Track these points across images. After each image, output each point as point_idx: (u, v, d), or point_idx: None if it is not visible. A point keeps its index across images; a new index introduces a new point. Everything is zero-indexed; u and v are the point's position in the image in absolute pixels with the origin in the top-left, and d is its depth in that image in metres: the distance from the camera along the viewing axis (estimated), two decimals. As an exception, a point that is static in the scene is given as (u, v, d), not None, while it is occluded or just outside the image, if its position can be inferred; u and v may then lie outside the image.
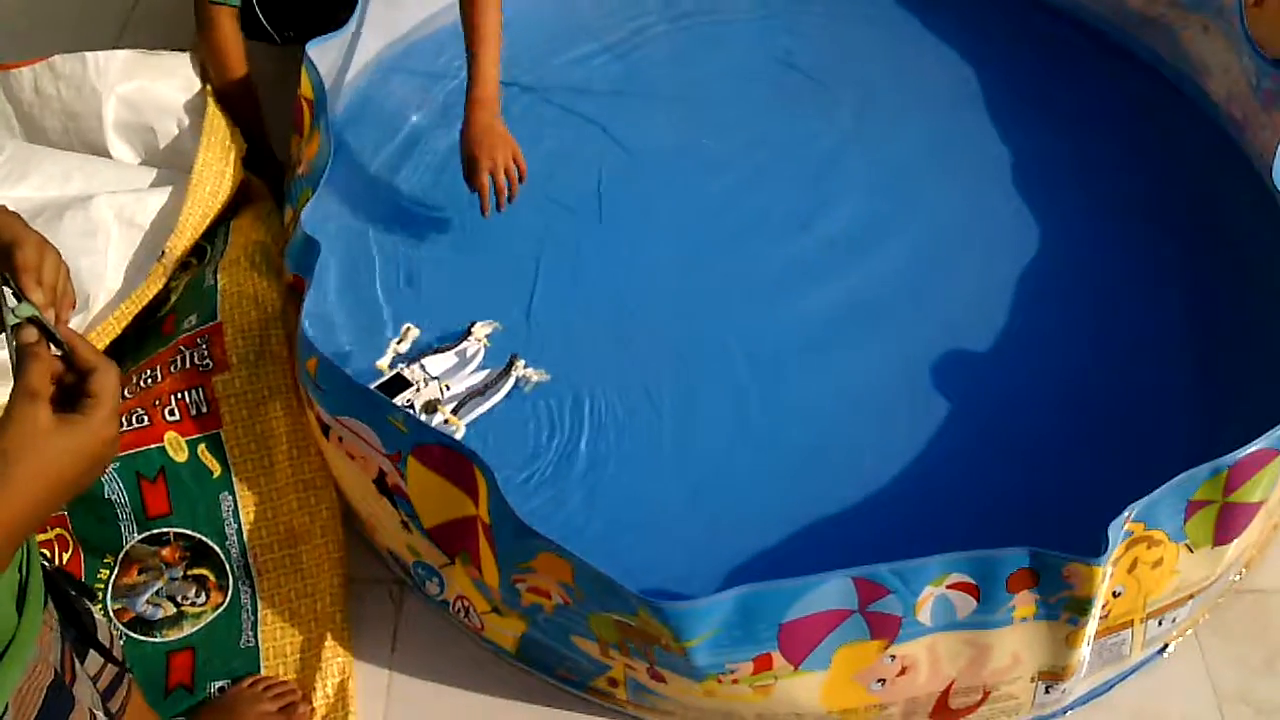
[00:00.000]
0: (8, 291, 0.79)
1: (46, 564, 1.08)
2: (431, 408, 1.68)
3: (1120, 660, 1.59)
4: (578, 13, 2.47)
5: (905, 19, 2.50)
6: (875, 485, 1.73)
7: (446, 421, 1.68)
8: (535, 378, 1.76)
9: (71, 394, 0.77)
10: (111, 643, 1.20)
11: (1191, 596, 1.58)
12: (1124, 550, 1.45)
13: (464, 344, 1.78)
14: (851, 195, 2.10)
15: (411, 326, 1.80)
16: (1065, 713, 1.59)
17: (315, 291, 1.72)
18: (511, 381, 1.76)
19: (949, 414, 1.81)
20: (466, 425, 1.71)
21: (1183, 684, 1.61)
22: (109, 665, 1.19)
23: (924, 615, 1.39)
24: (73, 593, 1.13)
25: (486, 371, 1.76)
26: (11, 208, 1.72)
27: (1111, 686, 1.61)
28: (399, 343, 1.77)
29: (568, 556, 1.35)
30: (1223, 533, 1.51)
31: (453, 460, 1.45)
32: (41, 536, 1.58)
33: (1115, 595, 1.50)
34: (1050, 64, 2.38)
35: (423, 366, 1.72)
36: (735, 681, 1.39)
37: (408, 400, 1.67)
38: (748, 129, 2.22)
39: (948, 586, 1.38)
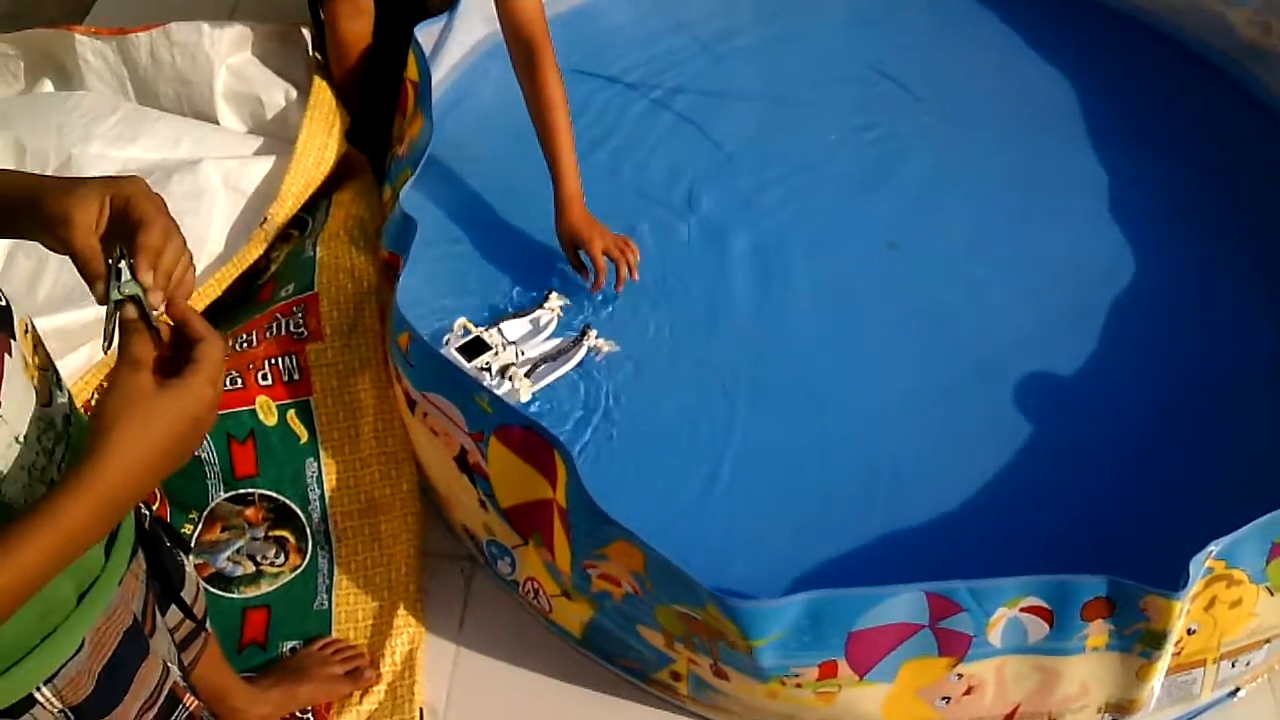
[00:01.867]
0: (123, 266, 0.81)
1: (147, 512, 1.12)
2: (506, 371, 1.70)
3: (1189, 699, 1.57)
4: (676, 11, 2.48)
5: (1008, 36, 2.48)
6: (951, 504, 1.71)
7: (518, 386, 1.70)
8: (606, 348, 1.80)
9: (176, 367, 0.80)
10: (195, 598, 1.24)
11: (1268, 641, 1.55)
12: (1203, 587, 1.43)
13: (538, 312, 1.81)
14: (935, 208, 2.09)
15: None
16: (1129, 747, 1.57)
17: (410, 269, 1.76)
18: (583, 351, 1.78)
19: (1030, 437, 1.79)
20: (534, 391, 1.73)
21: (1252, 729, 1.59)
22: (187, 621, 1.23)
23: (995, 636, 1.38)
24: (168, 544, 1.17)
25: (559, 340, 1.79)
26: (120, 168, 1.80)
27: (1178, 724, 1.59)
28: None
29: (642, 547, 1.36)
30: (1305, 577, 1.48)
31: (534, 443, 1.47)
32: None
33: (1190, 632, 1.48)
34: (1154, 91, 2.34)
35: (500, 331, 1.75)
36: (799, 686, 1.40)
37: (485, 363, 1.70)
38: (836, 134, 2.22)
39: (1021, 609, 1.37)
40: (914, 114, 2.29)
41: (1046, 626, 1.39)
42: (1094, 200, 2.13)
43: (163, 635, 1.09)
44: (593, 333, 1.80)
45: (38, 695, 0.89)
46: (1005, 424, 1.80)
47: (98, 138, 1.88)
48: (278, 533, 1.67)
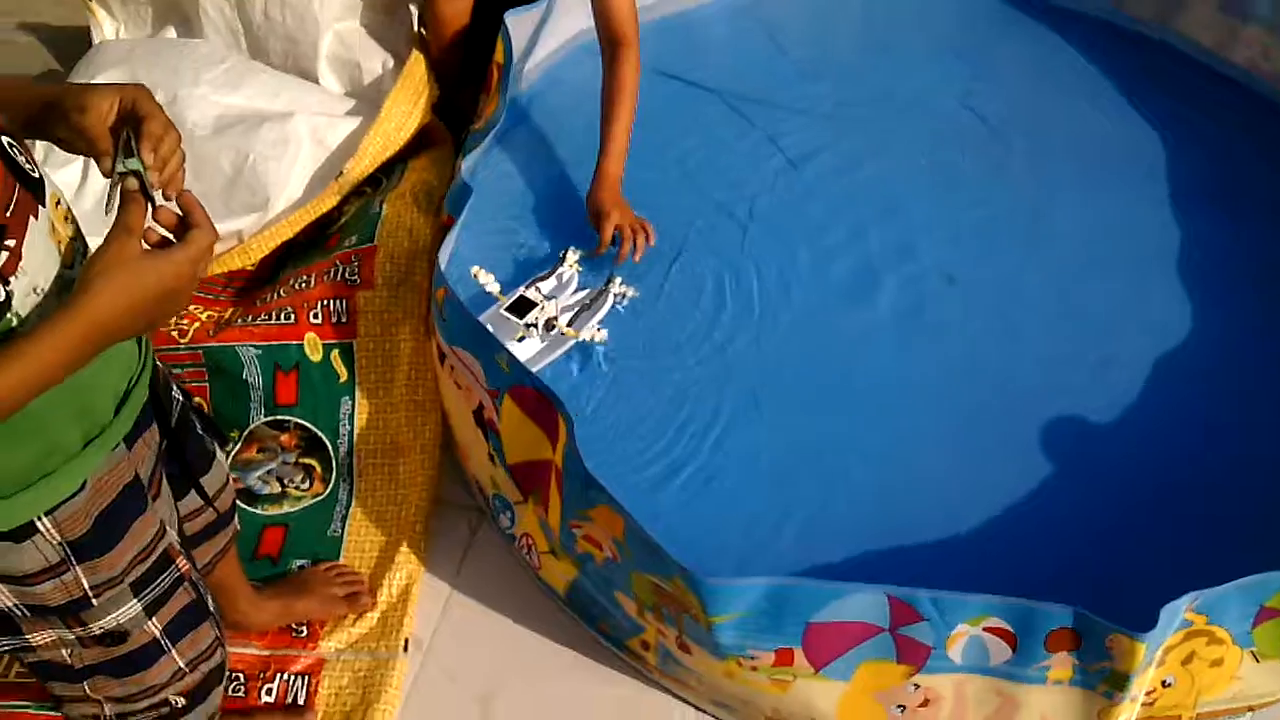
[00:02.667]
0: (130, 149, 0.94)
1: (180, 397, 1.24)
2: (551, 324, 1.79)
3: (1160, 754, 1.55)
4: (774, 30, 2.54)
5: (1102, 85, 2.47)
6: (960, 525, 1.71)
7: (563, 334, 1.80)
8: (630, 293, 1.90)
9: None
10: (221, 491, 1.36)
11: (1250, 709, 1.52)
12: (1181, 639, 1.42)
13: (560, 269, 1.90)
14: (995, 244, 2.09)
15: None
16: (1092, 794, 1.55)
17: (463, 234, 1.86)
18: (611, 298, 1.88)
19: (1049, 472, 1.78)
20: (580, 338, 1.82)
21: (1225, 797, 1.55)
22: (208, 510, 1.34)
23: (955, 652, 1.40)
24: (200, 430, 1.29)
25: (586, 290, 1.89)
26: (221, 111, 1.95)
27: (1147, 780, 1.57)
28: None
29: (622, 513, 1.42)
30: (1296, 648, 1.45)
31: (542, 405, 1.54)
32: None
33: (1165, 685, 1.47)
34: (1244, 154, 2.30)
35: (538, 288, 1.84)
36: (755, 669, 1.43)
37: (535, 318, 1.79)
38: (909, 161, 2.24)
39: (984, 629, 1.39)
40: (990, 149, 2.30)
41: (1009, 650, 1.39)
42: (1155, 256, 2.10)
43: (165, 502, 1.21)
44: (617, 279, 1.90)
45: (39, 524, 1.01)
46: (1026, 455, 1.79)
47: (205, 82, 2.03)
48: (307, 460, 1.78)
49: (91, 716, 1.25)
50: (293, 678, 1.60)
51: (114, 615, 1.13)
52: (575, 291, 1.89)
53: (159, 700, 1.24)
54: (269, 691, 1.58)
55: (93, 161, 0.98)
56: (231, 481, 1.41)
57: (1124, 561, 1.69)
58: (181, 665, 1.23)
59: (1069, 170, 2.26)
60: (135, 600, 1.14)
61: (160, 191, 0.94)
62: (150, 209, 0.93)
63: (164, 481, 1.20)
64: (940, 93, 2.40)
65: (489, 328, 1.77)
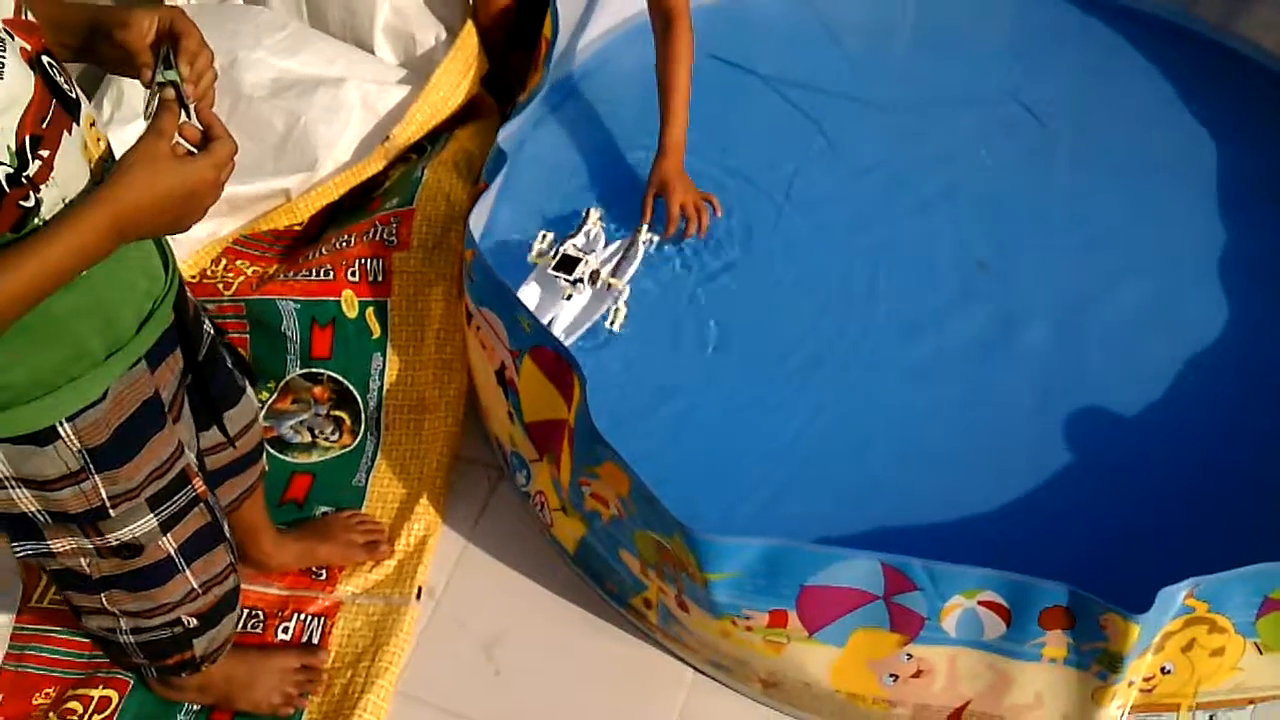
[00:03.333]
0: (168, 61, 1.01)
1: (212, 330, 1.30)
2: (595, 277, 1.86)
3: (1160, 743, 1.54)
4: (829, 19, 2.55)
5: (1158, 86, 2.43)
6: (978, 507, 1.72)
7: (610, 285, 1.87)
8: (656, 239, 1.97)
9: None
10: (246, 430, 1.42)
11: (1252, 702, 1.51)
12: (1181, 625, 1.42)
13: (586, 226, 1.95)
14: (1035, 236, 2.09)
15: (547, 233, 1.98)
16: (1088, 778, 1.55)
17: (499, 200, 1.92)
18: (642, 246, 1.93)
19: (1071, 461, 1.78)
20: (626, 282, 1.90)
21: (1226, 792, 1.54)
22: (230, 447, 1.40)
23: (949, 623, 1.41)
24: (230, 365, 1.36)
25: (617, 242, 1.95)
26: (278, 75, 2.02)
27: (1146, 769, 1.56)
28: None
29: (627, 470, 1.46)
30: (1301, 643, 1.44)
31: (560, 365, 1.59)
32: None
33: (1165, 671, 1.47)
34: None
35: (574, 246, 1.89)
36: (749, 629, 1.46)
37: (581, 273, 1.85)
38: (953, 151, 2.24)
39: (979, 602, 1.40)
40: (1039, 144, 2.29)
41: (1003, 625, 1.40)
42: (1198, 256, 2.08)
43: (185, 425, 1.28)
44: (643, 227, 1.95)
45: (60, 430, 1.08)
46: (1050, 443, 1.80)
47: (263, 47, 2.11)
48: (337, 413, 1.84)
49: (108, 629, 1.32)
50: (309, 618, 1.66)
51: (130, 528, 1.19)
52: (606, 245, 1.95)
53: (172, 618, 1.31)
54: (285, 630, 1.65)
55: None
56: (260, 420, 1.48)
57: (1143, 555, 1.68)
58: (195, 585, 1.29)
59: (1119, 168, 2.23)
60: (151, 515, 1.20)
61: (194, 103, 1.01)
62: (184, 117, 1.00)
63: (185, 406, 1.27)
64: (993, 89, 2.39)
65: (537, 289, 1.83)
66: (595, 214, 1.97)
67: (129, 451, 1.15)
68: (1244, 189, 2.20)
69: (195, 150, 1.01)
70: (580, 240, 1.92)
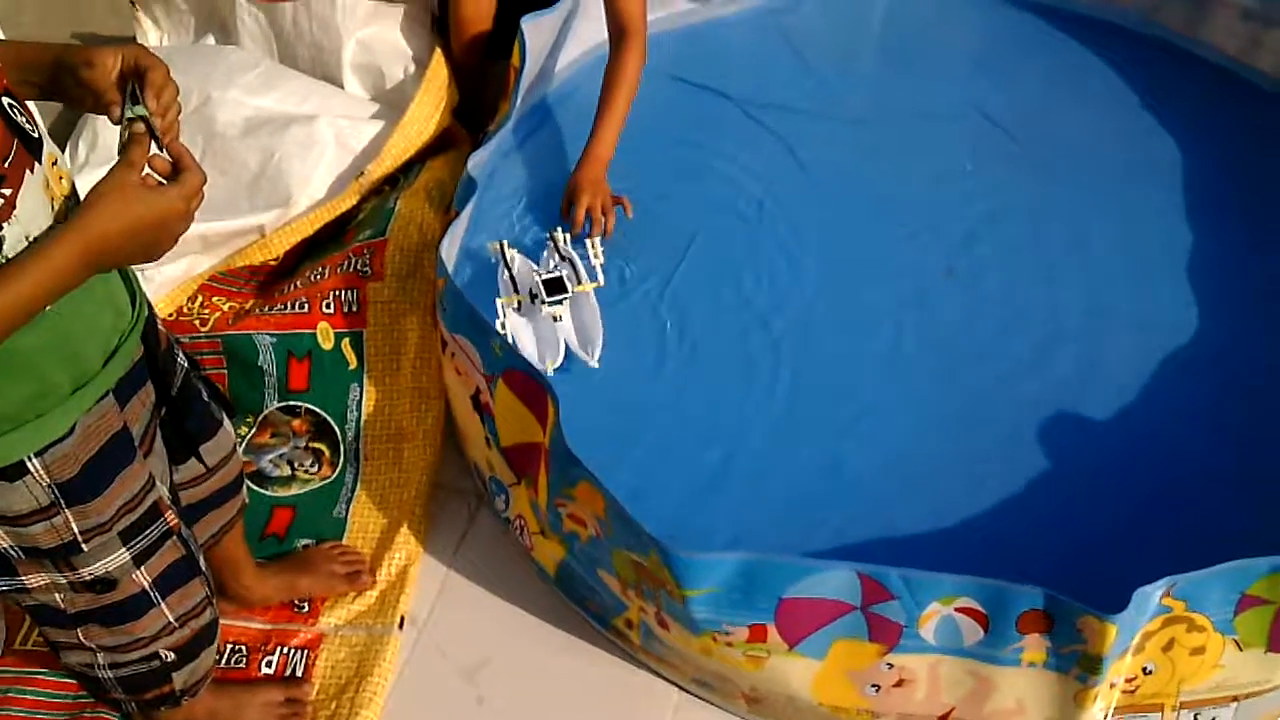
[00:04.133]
0: (136, 100, 1.03)
1: (186, 364, 1.31)
2: (567, 285, 1.89)
3: (1145, 744, 1.54)
4: (798, 41, 2.58)
5: (1125, 97, 2.46)
6: (957, 513, 1.73)
7: (582, 287, 1.90)
8: (568, 237, 1.99)
9: None
10: (224, 462, 1.43)
11: (1235, 699, 1.51)
12: (1159, 625, 1.42)
13: (552, 247, 1.98)
14: (1001, 245, 2.11)
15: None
16: (1075, 782, 1.55)
17: (471, 228, 1.93)
18: (592, 251, 1.98)
19: (1046, 465, 1.79)
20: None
21: (1213, 791, 1.54)
22: (210, 478, 1.41)
23: (927, 631, 1.41)
24: (206, 398, 1.37)
25: (576, 249, 1.99)
26: (251, 113, 2.04)
27: (1132, 770, 1.56)
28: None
29: (601, 489, 1.47)
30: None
31: (532, 387, 1.59)
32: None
33: (1146, 672, 1.47)
34: (1269, 159, 2.29)
35: (557, 265, 1.93)
36: (730, 644, 1.46)
37: (569, 291, 1.88)
38: (923, 168, 2.26)
39: (956, 609, 1.40)
40: (1006, 157, 2.32)
41: (981, 631, 1.41)
42: (1167, 258, 2.10)
43: (158, 458, 1.28)
44: (557, 230, 1.99)
45: (29, 465, 1.08)
46: (1025, 448, 1.81)
47: (236, 86, 2.13)
48: (316, 445, 1.85)
49: (86, 664, 1.32)
50: (293, 651, 1.65)
51: (103, 562, 1.19)
52: (572, 247, 1.99)
53: (149, 653, 1.31)
54: (269, 663, 1.64)
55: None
56: (239, 452, 1.48)
57: (1122, 556, 1.68)
58: (171, 619, 1.29)
59: (1085, 175, 2.26)
60: (124, 549, 1.20)
61: (163, 136, 1.03)
62: (154, 150, 1.02)
63: (157, 440, 1.28)
64: (958, 101, 2.42)
65: (531, 331, 1.85)
66: (561, 236, 1.98)
67: (99, 486, 1.15)
68: (1209, 192, 2.23)
69: (165, 181, 1.02)
70: (549, 264, 1.93)
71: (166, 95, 1.04)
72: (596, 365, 1.84)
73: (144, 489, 1.21)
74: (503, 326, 1.82)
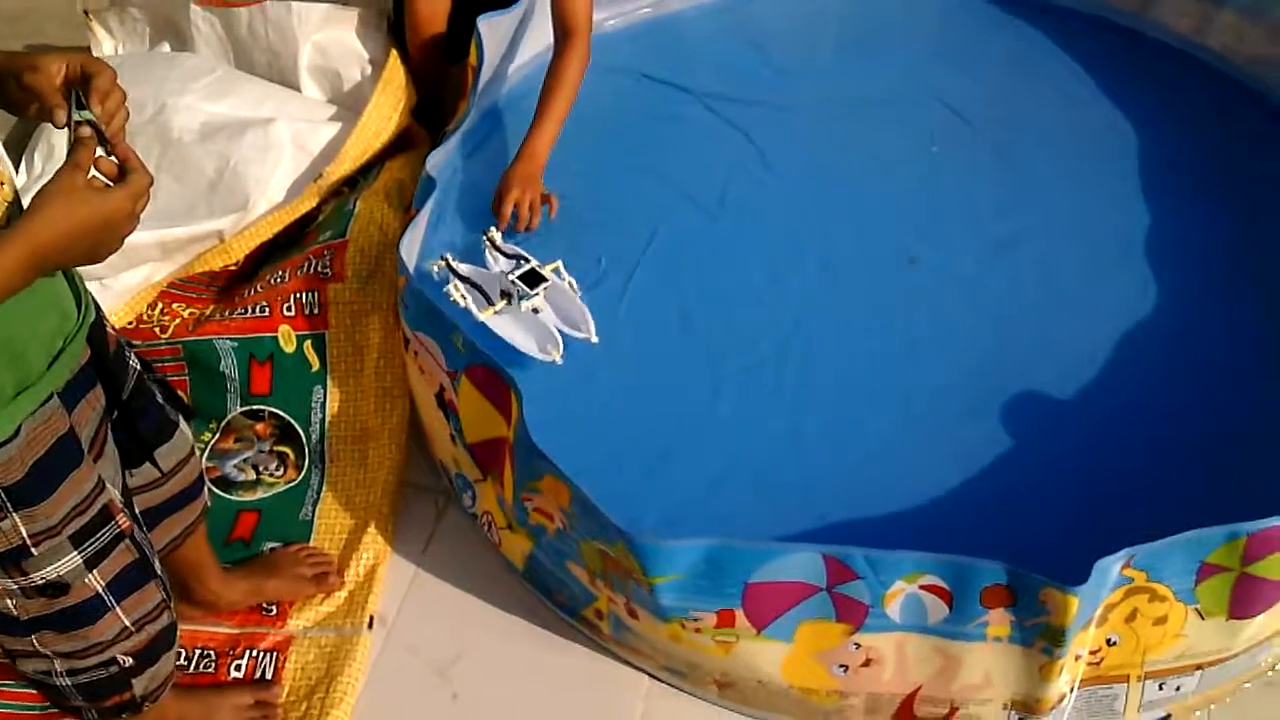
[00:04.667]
0: (82, 105, 1.03)
1: (139, 366, 1.31)
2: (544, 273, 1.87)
3: (1112, 716, 1.56)
4: (755, 32, 2.60)
5: (1082, 80, 2.48)
6: (926, 499, 1.72)
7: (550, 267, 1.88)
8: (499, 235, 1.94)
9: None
10: (181, 465, 1.42)
11: (1199, 667, 1.52)
12: (1121, 596, 1.44)
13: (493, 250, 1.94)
14: (962, 232, 2.12)
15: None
16: (1044, 754, 1.56)
17: (431, 227, 1.93)
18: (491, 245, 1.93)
19: (1013, 447, 1.80)
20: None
21: (1180, 760, 1.56)
22: (168, 482, 1.40)
23: (893, 610, 1.42)
24: (160, 400, 1.36)
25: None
26: (207, 119, 2.03)
27: (1100, 742, 1.58)
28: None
29: (566, 481, 1.47)
30: (1240, 605, 1.46)
31: (494, 382, 1.60)
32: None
33: (1110, 643, 1.48)
34: (1221, 142, 2.31)
35: (513, 259, 1.89)
36: (699, 631, 1.47)
37: (547, 279, 1.86)
38: (881, 155, 2.28)
39: (920, 586, 1.41)
40: (964, 142, 2.33)
41: (946, 607, 1.41)
42: (1125, 240, 2.11)
43: (108, 462, 1.27)
44: (493, 228, 1.94)
45: None
46: (988, 428, 1.81)
47: (191, 92, 2.12)
48: (281, 448, 1.84)
49: (43, 672, 1.31)
50: (261, 654, 1.65)
51: (54, 566, 1.19)
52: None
53: (107, 658, 1.30)
54: (238, 667, 1.63)
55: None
56: (198, 455, 1.48)
57: (1086, 530, 1.68)
58: (127, 624, 1.29)
59: (1042, 159, 2.28)
60: (75, 552, 1.20)
61: (109, 141, 1.03)
62: (101, 153, 1.02)
63: (108, 443, 1.27)
64: (917, 89, 2.44)
65: (523, 330, 1.82)
66: (497, 234, 1.94)
67: (46, 489, 1.15)
68: (1166, 172, 2.25)
69: (111, 184, 1.02)
70: (499, 260, 1.92)
71: (112, 100, 1.04)
72: (596, 340, 1.83)
73: (93, 492, 1.20)
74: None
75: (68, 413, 1.16)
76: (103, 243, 1.02)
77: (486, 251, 1.92)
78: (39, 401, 1.11)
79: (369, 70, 2.22)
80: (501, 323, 1.81)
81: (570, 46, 2.04)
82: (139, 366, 1.33)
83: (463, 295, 1.81)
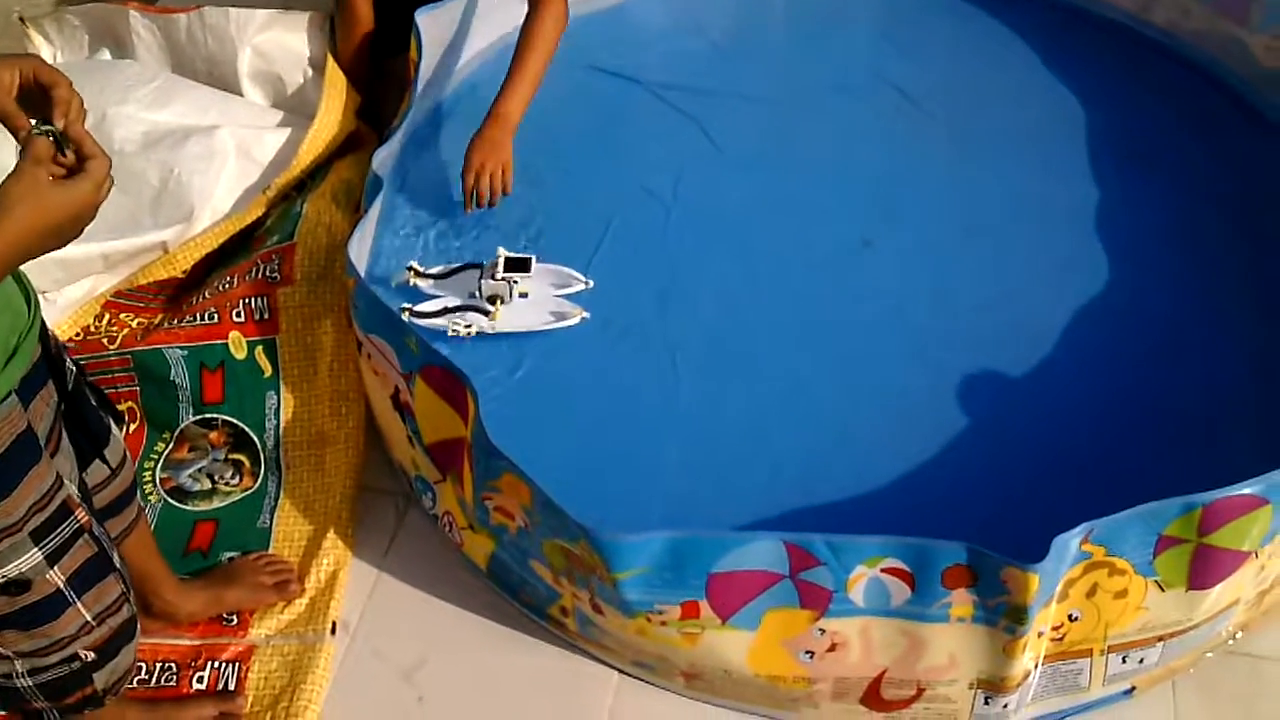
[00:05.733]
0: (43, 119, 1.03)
1: (74, 367, 1.30)
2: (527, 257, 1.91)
3: (1077, 690, 1.57)
4: (702, 17, 2.59)
5: (1029, 59, 2.50)
6: (884, 483, 1.74)
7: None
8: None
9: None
10: (121, 465, 1.41)
11: (1161, 639, 1.54)
12: (1081, 572, 1.44)
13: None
14: (917, 212, 2.13)
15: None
16: (1010, 731, 1.57)
17: (380, 227, 1.91)
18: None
19: (968, 426, 1.81)
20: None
21: (1146, 730, 1.57)
22: (115, 482, 1.40)
23: (856, 594, 1.42)
24: (94, 403, 1.34)
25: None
26: (149, 128, 2.00)
27: (1065, 716, 1.59)
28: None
29: (526, 479, 1.46)
30: (1199, 576, 1.47)
31: (450, 382, 1.58)
32: (119, 405, 1.81)
33: (1072, 619, 1.49)
34: (1169, 116, 2.34)
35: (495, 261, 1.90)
36: (664, 624, 1.46)
37: (532, 258, 1.89)
38: (832, 138, 2.29)
39: (882, 570, 1.41)
40: (915, 125, 2.34)
41: (908, 590, 1.42)
42: (1081, 219, 2.13)
43: (65, 457, 1.27)
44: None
45: None
46: (946, 409, 1.83)
47: (133, 100, 2.08)
48: (235, 456, 1.82)
49: (4, 675, 1.29)
50: (223, 665, 1.62)
51: (15, 563, 1.18)
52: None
53: (69, 654, 1.29)
54: (200, 679, 1.61)
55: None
56: (130, 459, 1.46)
57: (1048, 509, 1.69)
58: (88, 618, 1.27)
59: (993, 140, 2.30)
60: (36, 548, 1.19)
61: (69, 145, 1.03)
62: (61, 155, 1.02)
63: (63, 439, 1.27)
64: (866, 74, 2.45)
65: (532, 313, 1.87)
66: (414, 267, 1.94)
67: (7, 486, 1.14)
68: (1117, 151, 2.27)
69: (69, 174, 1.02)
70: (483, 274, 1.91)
71: (74, 110, 1.03)
72: (592, 284, 1.93)
73: (52, 488, 1.20)
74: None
75: (24, 409, 1.15)
76: (69, 234, 1.03)
77: (413, 283, 1.92)
78: None
79: (311, 73, 2.20)
80: (510, 319, 1.86)
81: (544, 7, 2.01)
82: (75, 368, 1.33)
83: (465, 325, 1.85)
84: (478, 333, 1.85)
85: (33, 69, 1.04)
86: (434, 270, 1.93)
